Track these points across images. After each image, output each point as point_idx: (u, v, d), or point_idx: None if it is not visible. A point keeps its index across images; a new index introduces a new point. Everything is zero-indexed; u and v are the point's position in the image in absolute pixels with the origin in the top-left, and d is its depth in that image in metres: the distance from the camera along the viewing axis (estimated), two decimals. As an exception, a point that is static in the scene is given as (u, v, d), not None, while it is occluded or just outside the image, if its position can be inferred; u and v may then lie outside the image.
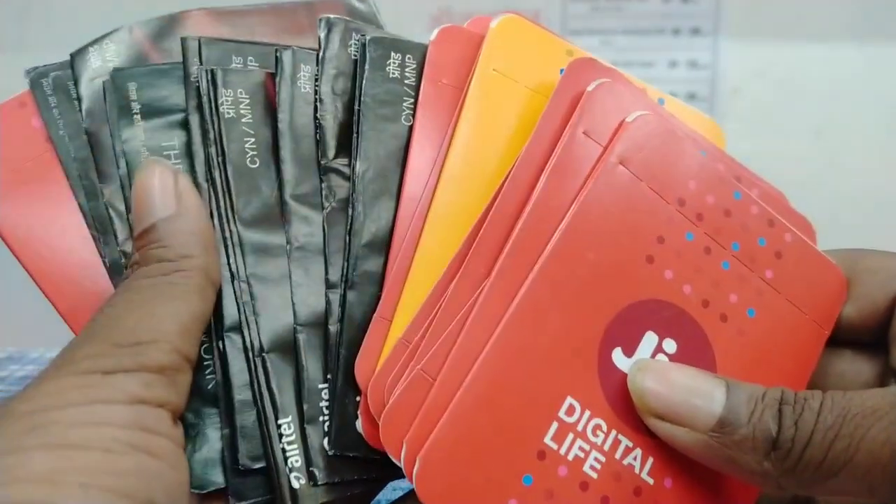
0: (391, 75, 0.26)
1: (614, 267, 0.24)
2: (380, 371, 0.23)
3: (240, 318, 0.24)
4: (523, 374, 0.22)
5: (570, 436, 0.22)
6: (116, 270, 0.25)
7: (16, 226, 0.26)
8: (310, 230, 0.25)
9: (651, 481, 0.23)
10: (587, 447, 0.23)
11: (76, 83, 0.26)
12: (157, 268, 0.22)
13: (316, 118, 0.25)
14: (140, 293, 0.22)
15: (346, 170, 0.25)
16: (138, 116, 0.25)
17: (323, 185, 0.25)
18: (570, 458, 0.22)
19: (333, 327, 0.25)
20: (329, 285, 0.25)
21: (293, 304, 0.25)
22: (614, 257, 0.24)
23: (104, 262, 0.25)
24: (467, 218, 0.25)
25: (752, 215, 0.25)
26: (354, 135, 0.25)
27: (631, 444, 0.23)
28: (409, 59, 0.26)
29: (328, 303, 0.25)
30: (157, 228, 0.23)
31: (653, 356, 0.24)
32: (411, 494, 0.22)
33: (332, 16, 0.25)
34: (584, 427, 0.23)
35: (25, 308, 0.33)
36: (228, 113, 0.25)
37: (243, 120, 0.25)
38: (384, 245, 0.25)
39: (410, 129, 0.26)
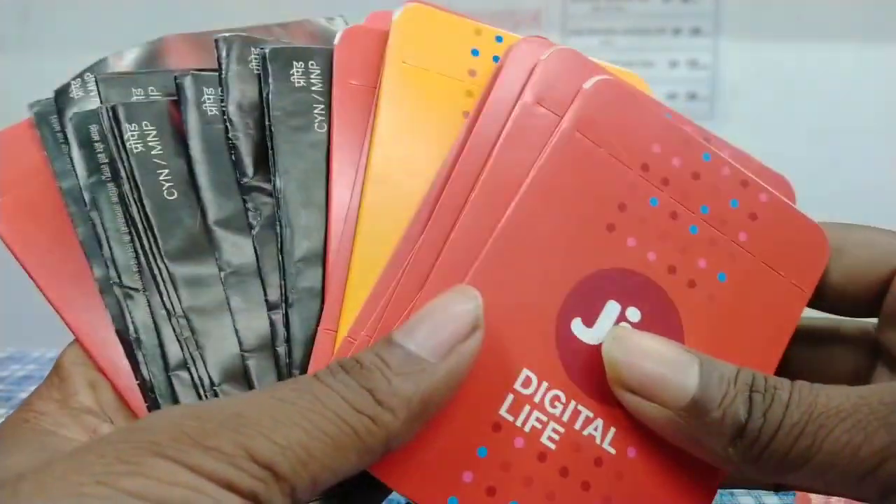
0: (297, 84, 0.25)
1: (572, 237, 0.23)
2: None
3: (184, 355, 0.24)
4: None
5: (527, 407, 0.22)
6: (105, 289, 0.25)
7: (16, 230, 0.26)
8: (241, 253, 0.25)
9: (613, 451, 0.23)
10: (545, 418, 0.22)
11: (60, 118, 0.26)
12: (359, 398, 0.19)
13: (228, 139, 0.25)
14: (318, 414, 0.18)
15: (268, 186, 0.25)
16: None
17: (247, 206, 0.25)
18: (526, 429, 0.22)
19: (281, 348, 0.24)
20: (270, 306, 0.24)
21: (236, 331, 0.24)
22: (572, 227, 0.23)
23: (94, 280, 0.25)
24: (401, 213, 0.24)
25: (722, 177, 0.25)
26: (270, 151, 0.25)
27: (591, 415, 0.23)
28: (312, 65, 0.26)
29: (272, 324, 0.24)
30: (403, 357, 0.20)
31: (616, 325, 0.23)
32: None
33: (226, 34, 0.25)
34: (542, 399, 0.22)
35: (26, 308, 0.33)
36: (137, 147, 0.24)
37: (153, 152, 0.24)
38: (319, 257, 0.24)
39: (328, 135, 0.25)
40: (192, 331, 0.24)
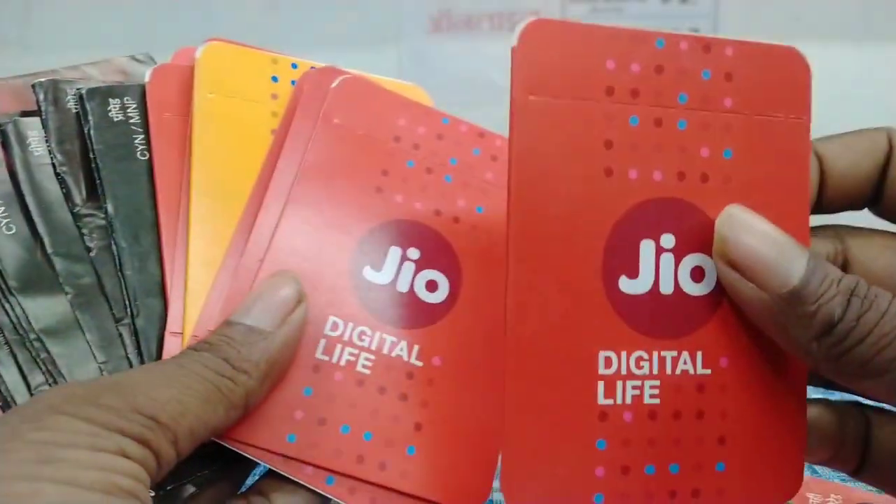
0: (115, 119, 0.28)
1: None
2: None
3: (47, 379, 0.26)
4: None
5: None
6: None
7: None
8: (83, 274, 0.27)
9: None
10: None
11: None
12: (217, 364, 0.23)
13: (57, 174, 0.27)
14: (186, 377, 0.22)
15: (100, 212, 0.28)
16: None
17: (82, 232, 0.27)
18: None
19: (134, 357, 0.26)
20: (117, 320, 0.27)
21: (90, 346, 0.26)
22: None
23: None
24: (227, 219, 0.28)
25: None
26: (98, 180, 0.28)
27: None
28: (127, 100, 0.29)
29: (120, 336, 0.27)
30: (245, 331, 0.24)
31: (657, 261, 0.23)
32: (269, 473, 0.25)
33: (43, 79, 0.28)
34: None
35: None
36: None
37: None
38: (156, 269, 0.27)
39: (150, 162, 0.28)
40: (50, 354, 0.26)
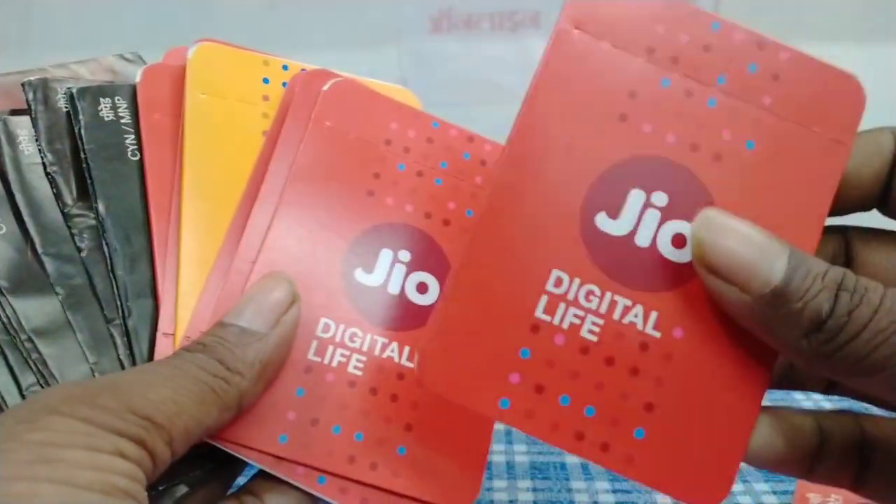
0: (106, 119, 0.28)
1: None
2: None
3: (38, 380, 0.26)
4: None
5: (562, 305, 0.23)
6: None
7: None
8: (74, 275, 0.27)
9: (657, 335, 0.23)
10: (581, 313, 0.23)
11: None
12: (211, 365, 0.23)
13: (47, 173, 0.27)
14: (180, 378, 0.22)
15: (91, 212, 0.27)
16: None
17: (73, 232, 0.27)
18: (564, 326, 0.23)
19: (125, 358, 0.26)
20: (108, 320, 0.27)
21: (81, 347, 0.26)
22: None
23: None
24: (218, 220, 0.28)
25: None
26: (89, 180, 0.27)
27: (630, 303, 0.23)
28: (118, 100, 0.29)
29: (112, 336, 0.27)
30: (238, 332, 0.24)
31: (642, 212, 0.23)
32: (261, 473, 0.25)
33: (33, 78, 0.28)
34: (576, 295, 0.23)
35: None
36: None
37: None
38: (148, 269, 0.27)
39: (141, 162, 0.28)
40: (41, 354, 0.26)
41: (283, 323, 0.25)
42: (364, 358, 0.27)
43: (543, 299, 0.23)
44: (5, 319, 0.26)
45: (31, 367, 0.25)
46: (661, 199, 0.23)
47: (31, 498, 0.18)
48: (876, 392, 0.21)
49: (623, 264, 0.23)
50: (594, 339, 0.23)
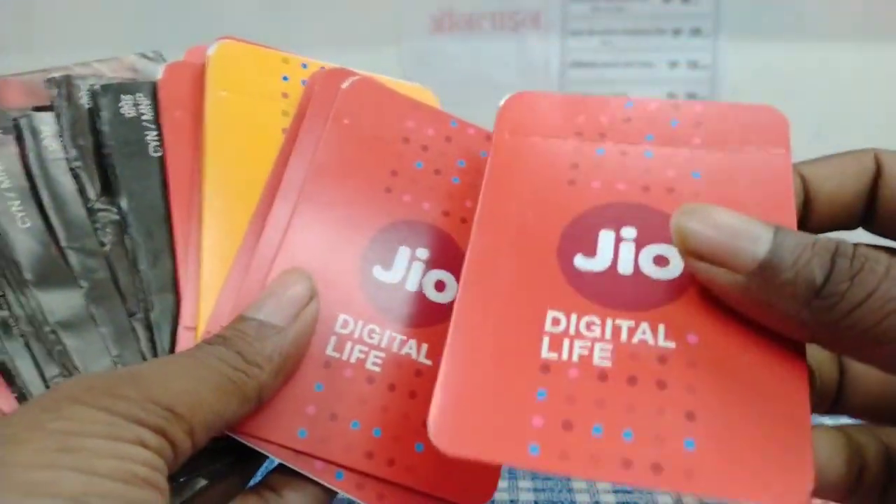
0: (128, 116, 0.29)
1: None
2: None
3: (61, 371, 0.26)
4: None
5: (566, 341, 0.23)
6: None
7: None
8: (97, 269, 0.27)
9: (672, 345, 0.22)
10: (588, 343, 0.23)
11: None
12: (231, 357, 0.23)
13: (71, 168, 0.28)
14: (200, 369, 0.23)
15: (114, 207, 0.28)
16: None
17: (96, 227, 0.28)
18: (574, 359, 0.22)
19: (148, 352, 0.27)
20: (131, 314, 0.27)
21: (104, 339, 0.26)
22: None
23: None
24: (239, 217, 0.28)
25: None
26: (112, 176, 0.28)
27: (633, 324, 0.23)
28: (139, 97, 0.29)
29: (134, 330, 0.27)
30: (257, 326, 0.24)
31: (616, 246, 0.24)
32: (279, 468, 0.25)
33: (56, 75, 0.28)
34: (577, 328, 0.23)
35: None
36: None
37: (3, 185, 0.27)
38: (170, 264, 0.28)
39: (163, 158, 0.29)
40: (65, 347, 0.26)
41: (301, 317, 0.25)
42: (382, 354, 0.27)
43: (546, 339, 0.23)
44: (30, 312, 0.26)
45: (54, 359, 0.26)
46: (630, 232, 0.25)
47: (53, 485, 0.18)
48: (884, 364, 0.20)
49: (613, 293, 0.23)
50: (608, 364, 0.22)
